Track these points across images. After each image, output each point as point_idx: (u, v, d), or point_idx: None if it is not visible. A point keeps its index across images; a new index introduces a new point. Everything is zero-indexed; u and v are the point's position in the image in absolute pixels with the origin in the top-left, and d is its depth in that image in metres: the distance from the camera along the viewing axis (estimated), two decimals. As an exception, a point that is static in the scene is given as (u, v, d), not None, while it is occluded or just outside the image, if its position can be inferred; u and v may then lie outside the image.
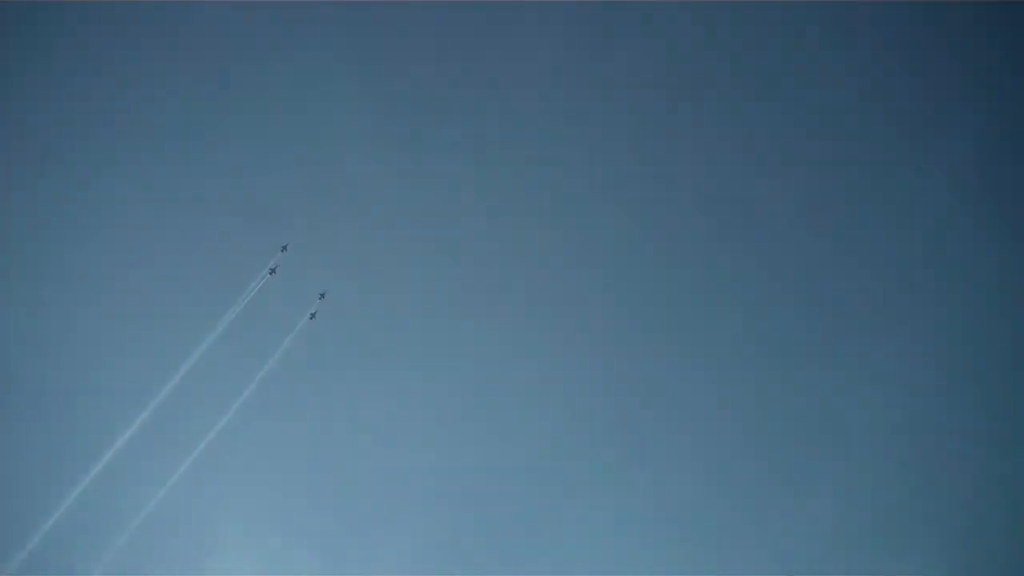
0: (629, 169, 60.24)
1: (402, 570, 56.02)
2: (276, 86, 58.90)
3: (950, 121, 58.48)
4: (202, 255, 57.79)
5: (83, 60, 56.76)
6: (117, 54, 56.92)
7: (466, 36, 59.19)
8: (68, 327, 55.50)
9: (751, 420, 57.72)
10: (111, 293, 56.75)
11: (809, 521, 55.42)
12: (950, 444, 55.49)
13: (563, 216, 60.20)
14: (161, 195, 57.55)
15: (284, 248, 56.00)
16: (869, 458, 56.07)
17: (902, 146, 58.96)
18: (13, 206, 55.60)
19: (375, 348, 58.41)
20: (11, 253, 55.38)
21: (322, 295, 55.84)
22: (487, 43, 59.13)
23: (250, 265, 55.97)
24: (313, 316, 55.58)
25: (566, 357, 59.45)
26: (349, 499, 57.19)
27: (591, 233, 60.32)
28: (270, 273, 55.46)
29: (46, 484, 51.43)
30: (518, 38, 59.56)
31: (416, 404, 58.28)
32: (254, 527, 56.07)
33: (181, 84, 57.98)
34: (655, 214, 60.23)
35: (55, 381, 54.88)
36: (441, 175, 58.97)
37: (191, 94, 58.18)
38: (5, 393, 53.85)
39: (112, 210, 56.93)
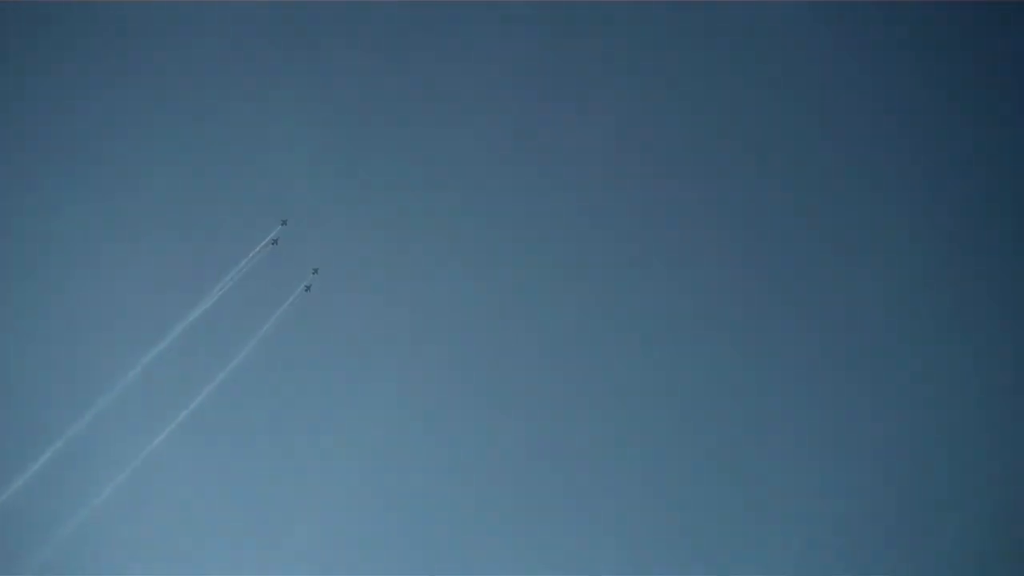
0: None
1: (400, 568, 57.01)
2: (286, 71, 60.38)
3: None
4: (205, 225, 58.86)
5: (89, 41, 57.80)
6: (127, 36, 58.39)
7: (464, 33, 61.55)
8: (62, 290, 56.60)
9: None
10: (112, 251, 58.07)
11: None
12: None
13: (564, 196, 61.94)
14: (171, 168, 58.90)
15: (284, 222, 57.55)
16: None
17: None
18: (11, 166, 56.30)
19: (365, 329, 60.25)
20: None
21: (315, 270, 57.65)
22: (483, 41, 61.54)
23: (250, 236, 57.59)
24: (308, 288, 57.46)
25: (565, 346, 60.89)
26: (328, 479, 58.40)
27: (592, 223, 62.08)
28: (272, 244, 56.91)
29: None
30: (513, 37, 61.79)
31: (404, 386, 60.07)
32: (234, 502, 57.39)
33: (193, 64, 59.62)
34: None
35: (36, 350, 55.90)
36: (444, 158, 61.03)
37: (203, 74, 59.78)
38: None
39: (124, 179, 58.03)
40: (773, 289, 60.68)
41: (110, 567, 53.94)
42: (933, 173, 60.38)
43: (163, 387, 55.74)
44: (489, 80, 61.44)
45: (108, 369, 54.95)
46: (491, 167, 61.68)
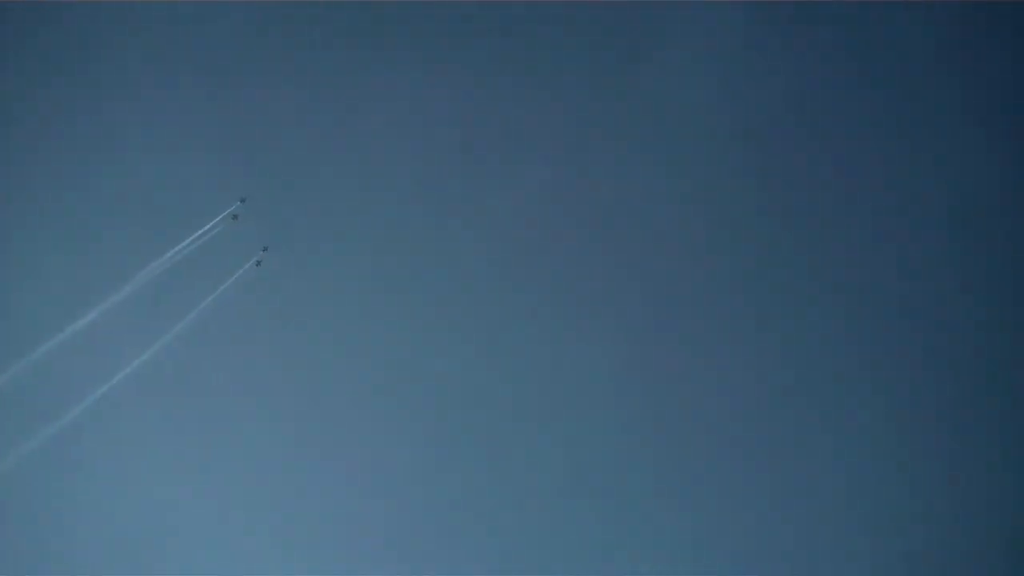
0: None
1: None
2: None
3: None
4: (163, 196, 59.81)
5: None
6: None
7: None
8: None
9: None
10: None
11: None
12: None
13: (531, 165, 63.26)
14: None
15: (242, 200, 58.22)
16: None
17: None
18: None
19: (312, 310, 61.01)
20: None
21: (265, 248, 57.70)
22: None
23: (207, 212, 58.02)
24: (259, 263, 57.44)
25: (515, 338, 61.62)
26: (259, 457, 58.37)
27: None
28: (233, 218, 57.50)
29: None
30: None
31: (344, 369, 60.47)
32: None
33: (160, 48, 61.81)
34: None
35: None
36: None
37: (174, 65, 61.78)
38: None
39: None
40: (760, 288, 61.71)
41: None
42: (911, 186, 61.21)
43: (99, 347, 56.10)
44: (454, 67, 63.14)
45: (47, 322, 55.43)
46: (452, 157, 62.90)
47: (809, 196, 61.08)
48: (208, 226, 57.51)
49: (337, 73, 62.34)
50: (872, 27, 60.87)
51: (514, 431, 58.82)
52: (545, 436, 59.16)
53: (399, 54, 62.35)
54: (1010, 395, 56.19)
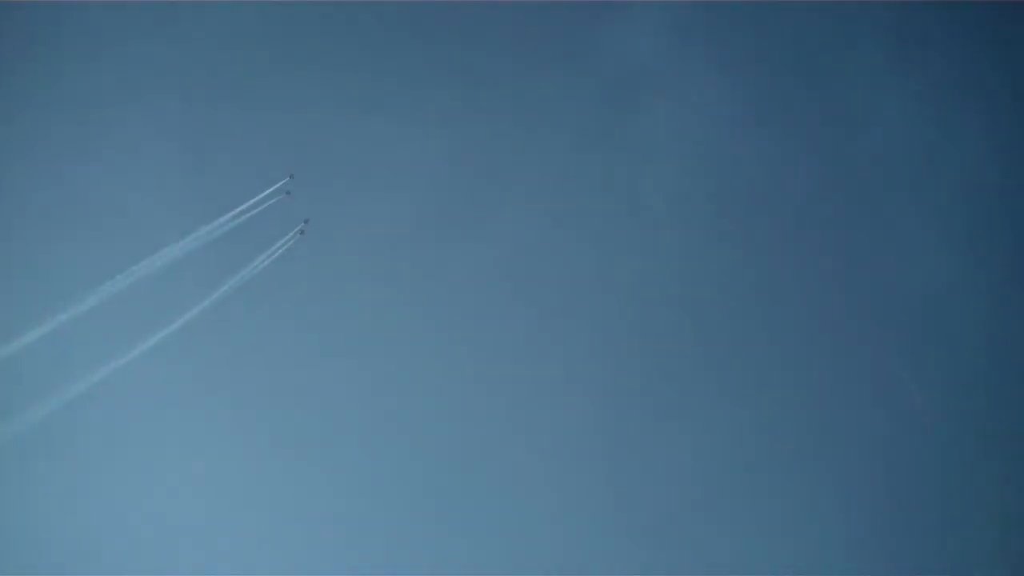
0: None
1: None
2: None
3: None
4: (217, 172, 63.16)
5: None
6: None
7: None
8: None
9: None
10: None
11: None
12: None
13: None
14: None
15: (292, 176, 60.20)
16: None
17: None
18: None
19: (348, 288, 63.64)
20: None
21: (307, 220, 60.38)
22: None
23: (255, 188, 59.97)
24: (302, 232, 58.97)
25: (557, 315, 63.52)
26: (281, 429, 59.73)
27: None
28: (286, 194, 59.03)
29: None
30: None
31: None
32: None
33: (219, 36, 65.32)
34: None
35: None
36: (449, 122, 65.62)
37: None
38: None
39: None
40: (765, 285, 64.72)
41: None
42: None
43: (130, 311, 56.55)
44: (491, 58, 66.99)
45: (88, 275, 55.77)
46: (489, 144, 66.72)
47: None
48: (263, 194, 59.57)
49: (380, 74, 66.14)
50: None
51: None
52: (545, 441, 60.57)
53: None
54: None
